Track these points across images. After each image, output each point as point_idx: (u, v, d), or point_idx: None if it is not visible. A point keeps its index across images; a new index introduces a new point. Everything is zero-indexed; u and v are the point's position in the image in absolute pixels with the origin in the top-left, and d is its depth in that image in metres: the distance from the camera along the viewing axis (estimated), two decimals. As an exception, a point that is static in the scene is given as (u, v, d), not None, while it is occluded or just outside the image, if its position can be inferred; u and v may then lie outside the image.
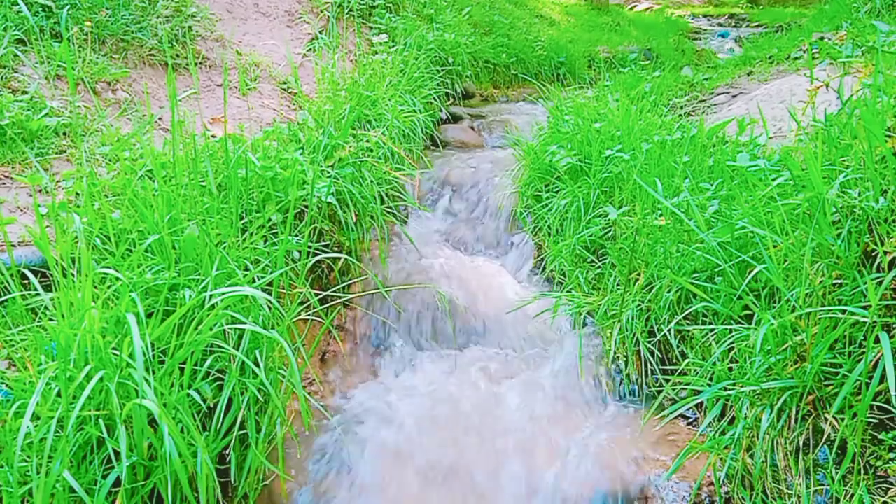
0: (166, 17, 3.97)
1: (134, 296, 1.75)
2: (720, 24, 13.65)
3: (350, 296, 2.90)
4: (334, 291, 2.74)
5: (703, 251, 2.22)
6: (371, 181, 3.25)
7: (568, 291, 2.93)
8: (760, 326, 1.81)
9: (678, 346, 2.34)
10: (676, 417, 2.23)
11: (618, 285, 2.66)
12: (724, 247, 2.14)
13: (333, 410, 2.40)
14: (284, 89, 4.30)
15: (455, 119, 5.53)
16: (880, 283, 1.59)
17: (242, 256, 2.21)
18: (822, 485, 1.68)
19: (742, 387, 1.83)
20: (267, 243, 2.39)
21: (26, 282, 1.85)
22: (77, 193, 2.48)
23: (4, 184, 2.52)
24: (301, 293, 2.28)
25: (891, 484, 1.57)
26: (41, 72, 3.13)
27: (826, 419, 1.69)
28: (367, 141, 3.40)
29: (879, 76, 2.00)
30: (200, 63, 4.10)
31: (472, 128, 5.40)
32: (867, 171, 1.72)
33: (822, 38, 4.67)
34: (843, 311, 1.64)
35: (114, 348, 1.68)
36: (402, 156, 3.69)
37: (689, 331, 2.28)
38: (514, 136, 4.18)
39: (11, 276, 1.80)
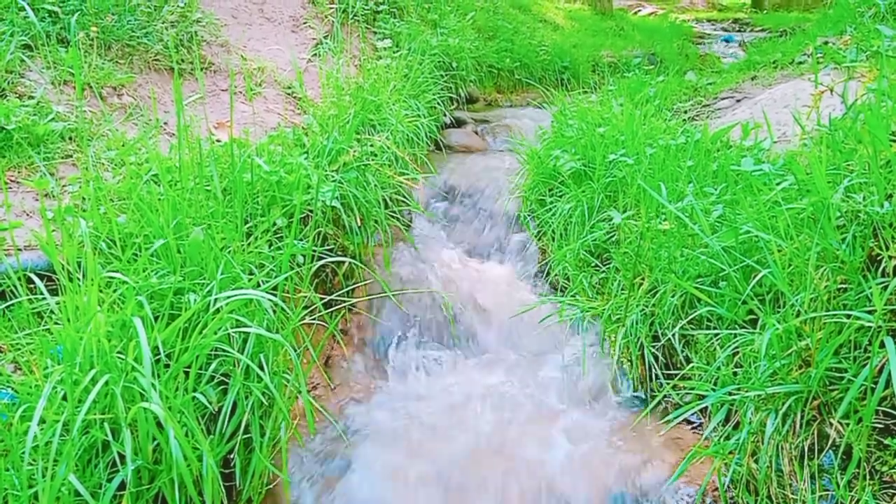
0: (172, 22, 3.98)
1: (141, 299, 1.76)
2: (724, 29, 13.63)
3: (354, 300, 2.90)
4: (338, 296, 2.74)
5: (707, 255, 2.22)
6: (375, 186, 3.26)
7: (572, 296, 2.92)
8: (765, 331, 1.80)
9: (682, 351, 2.33)
10: (681, 422, 2.22)
11: (622, 290, 2.65)
12: (729, 251, 2.14)
13: (338, 414, 2.40)
14: (289, 94, 4.32)
15: (459, 123, 5.54)
16: (885, 287, 1.59)
17: (247, 261, 2.21)
18: (828, 490, 1.67)
19: (747, 391, 1.82)
20: (271, 247, 2.39)
21: (32, 286, 1.85)
22: (83, 198, 2.49)
23: (11, 188, 2.53)
24: (305, 297, 2.28)
25: (896, 489, 1.56)
26: (47, 77, 3.15)
27: (831, 424, 1.69)
28: (372, 145, 3.41)
29: (884, 80, 2.00)
30: (206, 68, 4.12)
31: (476, 132, 5.41)
32: (872, 175, 1.72)
33: (826, 43, 4.67)
34: (848, 316, 1.63)
35: (119, 352, 1.69)
36: (406, 160, 3.70)
37: (693, 335, 2.28)
38: (517, 141, 4.18)
39: (18, 279, 1.81)
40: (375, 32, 5.82)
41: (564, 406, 2.46)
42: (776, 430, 1.76)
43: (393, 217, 3.37)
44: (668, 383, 2.32)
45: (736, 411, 1.95)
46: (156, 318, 1.83)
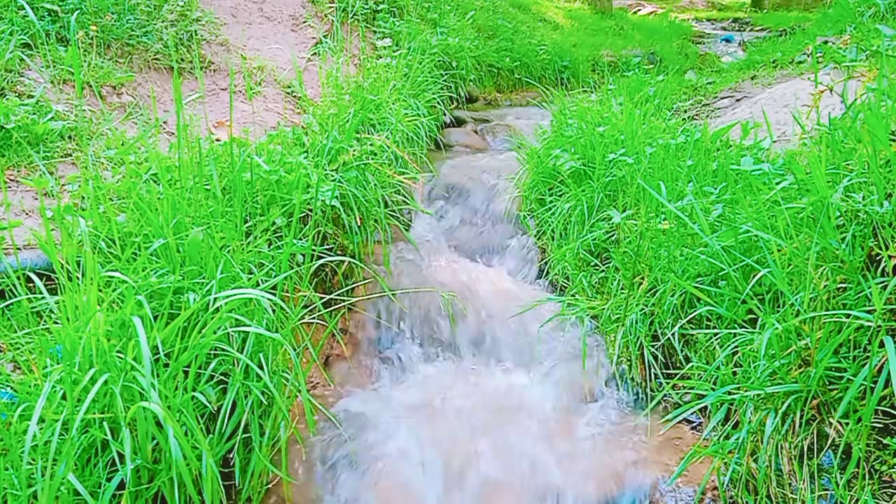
0: (171, 21, 3.98)
1: (141, 298, 1.76)
2: (724, 29, 13.65)
3: (354, 299, 2.90)
4: (338, 295, 2.74)
5: (706, 255, 2.22)
6: (375, 185, 3.25)
7: (571, 295, 2.93)
8: (765, 330, 1.80)
9: (682, 350, 2.34)
10: (680, 422, 2.22)
11: (621, 289, 2.65)
12: (728, 251, 2.14)
13: (337, 414, 2.40)
14: (289, 93, 4.32)
15: (459, 123, 5.54)
16: (885, 287, 1.59)
17: (247, 260, 2.21)
18: (827, 489, 1.67)
19: (746, 391, 1.83)
20: (271, 247, 2.39)
21: (32, 285, 1.85)
22: (82, 197, 2.49)
23: (10, 187, 2.53)
24: (305, 296, 2.28)
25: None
26: (47, 76, 3.15)
27: (830, 423, 1.69)
28: (371, 145, 3.41)
29: (884, 80, 2.00)
30: (205, 67, 4.11)
31: (476, 131, 5.41)
32: (871, 174, 1.72)
33: (826, 42, 4.67)
34: (848, 316, 1.63)
35: (118, 351, 1.69)
36: (405, 160, 3.70)
37: (692, 335, 2.28)
38: (517, 140, 4.18)
39: (17, 279, 1.81)
40: (375, 31, 5.82)
41: (563, 405, 2.46)
42: (775, 429, 1.76)
43: (392, 216, 3.37)
44: (667, 383, 2.32)
45: (735, 411, 1.95)
46: (155, 318, 1.83)
